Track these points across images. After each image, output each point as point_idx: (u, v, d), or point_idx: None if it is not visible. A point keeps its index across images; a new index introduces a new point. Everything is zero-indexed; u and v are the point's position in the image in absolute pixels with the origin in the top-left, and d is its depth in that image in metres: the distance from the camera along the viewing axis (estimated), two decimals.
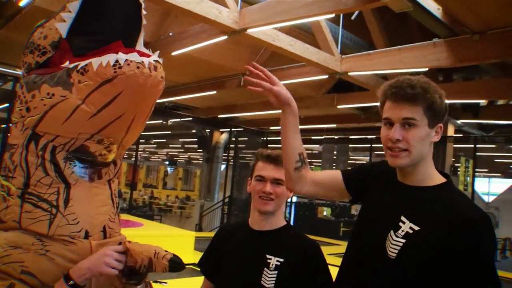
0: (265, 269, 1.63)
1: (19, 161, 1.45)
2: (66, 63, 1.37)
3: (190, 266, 6.36)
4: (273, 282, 1.61)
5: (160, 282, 2.98)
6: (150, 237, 6.50)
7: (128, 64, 1.29)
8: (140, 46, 1.52)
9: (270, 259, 1.64)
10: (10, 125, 1.56)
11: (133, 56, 1.30)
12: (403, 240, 1.30)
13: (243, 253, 1.72)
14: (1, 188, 1.47)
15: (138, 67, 1.29)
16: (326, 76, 8.19)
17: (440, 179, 1.40)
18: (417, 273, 1.27)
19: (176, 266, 1.43)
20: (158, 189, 29.67)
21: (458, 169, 10.54)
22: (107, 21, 1.42)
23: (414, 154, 1.33)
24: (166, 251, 1.47)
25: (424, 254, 1.26)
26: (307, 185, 1.60)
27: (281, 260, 1.63)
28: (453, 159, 10.41)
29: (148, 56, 1.35)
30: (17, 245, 1.38)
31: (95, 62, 1.30)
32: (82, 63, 1.32)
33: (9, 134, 1.53)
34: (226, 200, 13.12)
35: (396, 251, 1.30)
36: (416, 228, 1.30)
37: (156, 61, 1.35)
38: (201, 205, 14.47)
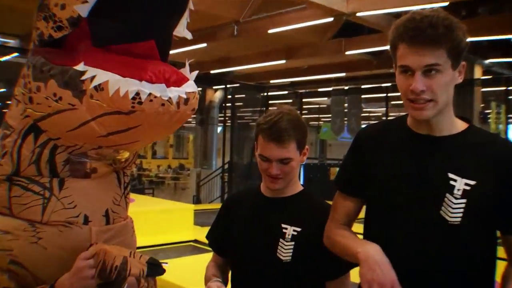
0: (281, 240, 1.66)
1: (10, 149, 1.38)
2: (80, 65, 1.23)
3: (191, 243, 6.53)
4: (290, 254, 1.63)
5: (161, 263, 3.05)
6: (143, 213, 6.56)
7: (151, 101, 1.17)
8: (181, 27, 1.38)
9: (286, 228, 1.66)
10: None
11: (159, 89, 1.18)
12: (464, 200, 1.31)
13: (256, 223, 1.74)
14: None
15: (163, 104, 1.18)
16: (331, 19, 8.07)
17: (463, 123, 1.43)
18: (486, 234, 1.34)
19: (155, 269, 1.36)
20: (147, 159, 29.78)
21: (489, 116, 10.53)
22: (140, 5, 1.25)
23: (441, 103, 1.32)
24: (141, 254, 1.39)
25: (491, 207, 1.31)
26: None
27: (298, 229, 1.65)
28: (482, 105, 10.39)
29: (180, 83, 1.23)
30: (6, 230, 1.35)
31: (112, 84, 1.18)
32: (98, 79, 1.19)
33: (8, 110, 1.45)
34: (226, 166, 13.21)
35: (460, 215, 1.31)
36: (472, 182, 1.31)
37: (189, 92, 1.23)
38: (198, 174, 14.60)
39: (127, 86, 1.17)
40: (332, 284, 1.65)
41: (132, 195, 7.87)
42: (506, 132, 10.16)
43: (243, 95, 14.71)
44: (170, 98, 1.18)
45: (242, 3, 8.51)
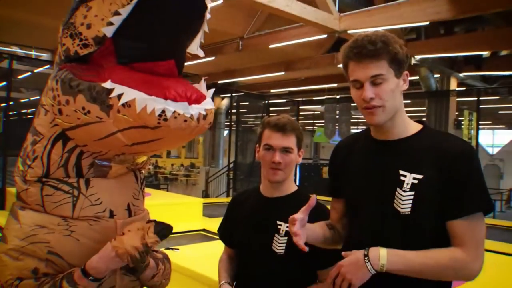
0: (276, 235, 1.67)
1: (41, 153, 1.39)
2: (108, 83, 1.21)
3: (200, 232, 6.54)
4: (283, 247, 1.65)
5: (172, 249, 3.06)
6: (158, 206, 6.58)
7: (175, 118, 1.16)
8: (195, 46, 1.37)
9: (281, 225, 1.67)
10: (22, 101, 1.52)
11: (183, 107, 1.17)
12: (412, 193, 1.32)
13: (255, 219, 1.76)
14: (17, 169, 1.45)
15: (185, 120, 1.18)
16: (325, 36, 8.07)
17: (417, 126, 1.44)
18: (434, 221, 1.32)
19: (164, 231, 1.35)
20: (163, 159, 29.81)
21: (462, 122, 10.52)
22: (161, 25, 1.23)
23: (389, 108, 1.35)
24: (149, 221, 1.39)
25: (437, 198, 1.31)
26: (343, 231, 1.58)
27: None
28: (457, 113, 10.38)
29: (199, 100, 1.22)
30: (43, 225, 1.36)
31: (139, 102, 1.16)
32: (125, 96, 1.17)
33: (36, 117, 1.44)
34: (231, 165, 13.21)
35: (409, 205, 1.32)
36: (420, 176, 1.32)
37: (207, 109, 1.23)
38: (206, 172, 14.59)
39: (154, 104, 1.16)
40: (323, 273, 1.65)
41: (149, 190, 7.87)
42: (477, 137, 10.13)
43: (247, 103, 14.71)
44: (192, 115, 1.18)
45: (246, 21, 8.54)
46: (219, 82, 13.64)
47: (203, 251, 3.16)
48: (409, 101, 14.35)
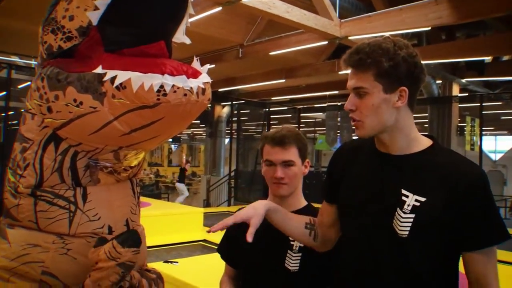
0: (289, 251, 1.61)
1: (32, 160, 1.30)
2: (98, 69, 1.16)
3: (201, 242, 6.48)
4: (298, 264, 1.59)
5: (171, 262, 3.00)
6: (158, 216, 6.54)
7: (175, 92, 1.12)
8: (180, 33, 1.33)
9: (293, 241, 1.61)
10: (22, 110, 1.40)
11: (181, 81, 1.13)
12: (412, 215, 1.22)
13: (266, 238, 1.65)
14: (8, 182, 1.35)
15: (185, 94, 1.13)
16: (325, 42, 8.06)
17: (426, 143, 1.32)
18: (432, 247, 1.23)
19: (130, 240, 1.27)
20: (164, 167, 29.79)
21: (465, 129, 10.49)
22: (148, 9, 1.17)
23: (369, 124, 1.26)
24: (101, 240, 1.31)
25: (437, 224, 1.21)
26: (328, 236, 1.52)
27: None
28: (459, 119, 10.34)
29: (196, 75, 1.17)
30: (36, 244, 1.28)
31: (135, 81, 1.11)
32: (119, 78, 1.12)
33: (21, 124, 1.36)
34: (232, 173, 13.17)
35: (408, 228, 1.22)
36: (422, 199, 1.22)
37: (205, 83, 1.18)
38: (208, 180, 14.55)
39: (151, 80, 1.11)
40: None
41: (149, 200, 7.84)
42: (480, 143, 10.09)
43: (248, 111, 14.69)
44: (191, 88, 1.14)
45: (246, 29, 8.53)
46: (219, 90, 13.64)
47: (203, 264, 3.10)
48: None
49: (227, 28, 8.42)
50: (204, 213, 7.53)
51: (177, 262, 2.98)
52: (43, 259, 1.27)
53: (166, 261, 3.04)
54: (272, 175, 1.64)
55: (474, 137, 10.41)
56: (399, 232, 1.23)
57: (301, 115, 14.24)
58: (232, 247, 1.79)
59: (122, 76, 1.13)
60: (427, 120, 10.40)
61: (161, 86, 1.11)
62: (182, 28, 1.32)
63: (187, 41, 1.33)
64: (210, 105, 14.88)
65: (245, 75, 12.34)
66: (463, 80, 10.20)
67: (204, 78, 1.19)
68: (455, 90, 10.15)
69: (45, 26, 1.29)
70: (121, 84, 1.12)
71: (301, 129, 14.22)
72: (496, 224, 1.22)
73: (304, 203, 1.74)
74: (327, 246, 1.53)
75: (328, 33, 7.22)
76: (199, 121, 16.44)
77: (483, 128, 10.57)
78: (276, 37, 8.51)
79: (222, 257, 1.87)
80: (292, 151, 1.64)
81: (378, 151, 1.35)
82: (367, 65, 1.23)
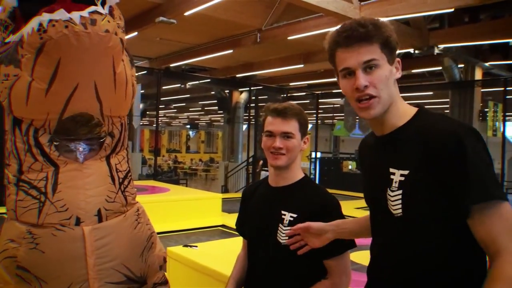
0: (280, 225, 1.64)
1: (11, 148, 1.39)
2: (16, 36, 1.21)
3: (219, 227, 6.55)
4: (287, 238, 1.60)
5: (191, 246, 3.04)
6: (177, 201, 6.63)
7: (53, 25, 1.11)
8: None
9: (285, 214, 1.64)
10: None
11: (59, 14, 1.11)
12: (400, 192, 1.19)
13: (261, 210, 1.74)
14: (5, 176, 1.43)
15: (66, 26, 1.10)
16: None
17: (411, 112, 1.27)
18: (431, 221, 1.15)
19: None
20: (182, 154, 30.05)
21: (487, 114, 10.29)
22: None
23: (384, 98, 1.22)
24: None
25: (425, 194, 1.14)
26: None
27: (294, 215, 1.62)
28: (481, 104, 10.15)
29: (82, 8, 1.14)
30: (12, 239, 1.35)
31: (25, 31, 1.14)
32: (19, 34, 1.18)
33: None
34: (250, 160, 13.21)
35: (400, 206, 1.19)
36: (406, 172, 1.18)
37: (92, 12, 1.14)
38: (226, 167, 14.62)
39: (32, 24, 1.13)
40: (329, 262, 1.61)
41: (168, 185, 7.93)
42: (503, 129, 9.89)
43: (266, 96, 14.66)
44: (71, 18, 1.11)
45: (264, 13, 8.45)
46: (237, 75, 13.62)
47: (222, 248, 3.13)
48: (431, 93, 14.11)
49: (245, 13, 8.36)
50: (223, 198, 7.59)
51: (196, 247, 3.01)
52: (16, 254, 1.33)
53: (186, 245, 3.08)
54: (271, 145, 1.67)
55: (497, 123, 10.22)
56: (393, 212, 1.20)
57: (319, 100, 14.15)
58: (242, 219, 1.89)
59: (21, 33, 1.18)
60: (448, 106, 10.23)
61: (40, 25, 1.11)
62: None
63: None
64: (227, 91, 14.89)
65: (263, 60, 12.27)
66: (487, 64, 9.97)
67: (91, 9, 1.16)
68: (478, 74, 9.94)
69: None
70: (21, 40, 1.17)
71: (319, 115, 14.15)
72: (483, 182, 1.08)
73: (300, 175, 1.75)
74: None
75: (347, 17, 7.11)
76: (217, 107, 16.49)
77: (507, 113, 10.36)
78: (294, 21, 8.42)
79: (236, 229, 1.95)
80: (293, 124, 1.67)
81: (376, 136, 1.34)
82: (374, 36, 1.21)
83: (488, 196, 1.08)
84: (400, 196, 1.18)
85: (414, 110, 1.27)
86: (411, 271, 1.20)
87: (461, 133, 1.11)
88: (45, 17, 1.11)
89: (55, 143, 1.36)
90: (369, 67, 1.21)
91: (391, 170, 1.21)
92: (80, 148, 1.40)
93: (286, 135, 1.66)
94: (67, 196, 1.36)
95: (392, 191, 1.20)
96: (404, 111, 1.26)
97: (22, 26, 1.22)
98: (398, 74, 1.26)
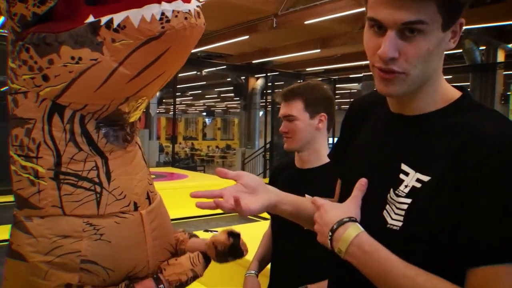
0: None
1: (42, 138, 1.25)
2: (90, 18, 1.11)
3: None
4: None
5: (211, 231, 3.10)
6: (196, 187, 6.67)
7: (176, 16, 1.09)
8: None
9: None
10: (9, 95, 1.31)
11: (179, 5, 1.10)
12: (408, 200, 0.85)
13: (287, 192, 1.74)
14: (23, 170, 1.28)
15: (186, 18, 1.10)
16: (363, 9, 7.84)
17: (453, 95, 0.91)
18: (432, 245, 0.82)
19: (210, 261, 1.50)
20: (199, 141, 30.22)
21: (510, 97, 10.09)
22: None
23: (414, 75, 0.85)
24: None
25: (441, 214, 0.81)
26: None
27: None
28: (503, 87, 9.96)
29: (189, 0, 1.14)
30: (66, 234, 1.25)
31: (134, 16, 1.07)
32: (116, 19, 1.09)
33: (14, 108, 1.29)
34: (267, 146, 13.24)
35: (401, 219, 0.85)
36: (426, 178, 0.84)
37: (198, 6, 1.17)
38: (242, 153, 14.69)
39: (150, 11, 1.07)
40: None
41: (186, 172, 8.01)
42: None
43: (282, 82, 14.61)
44: (189, 10, 1.11)
45: None
46: (253, 61, 13.59)
47: (241, 233, 3.18)
48: (451, 76, 13.88)
49: None
50: None
51: (216, 231, 3.07)
52: (79, 249, 1.25)
53: (207, 230, 3.15)
54: (281, 130, 1.71)
55: None
56: (389, 221, 0.88)
57: (336, 86, 14.05)
58: None
59: (118, 17, 1.09)
60: (469, 89, 10.06)
61: (162, 14, 1.08)
62: None
63: None
64: (244, 77, 14.88)
65: (279, 46, 12.21)
66: (510, 46, 9.76)
67: (196, 2, 1.17)
68: (500, 57, 9.74)
69: None
70: (119, 25, 1.09)
71: (336, 100, 14.06)
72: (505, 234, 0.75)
73: (324, 160, 1.67)
74: None
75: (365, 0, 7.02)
76: (233, 94, 16.50)
77: None
78: (311, 6, 8.34)
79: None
80: (294, 105, 1.66)
81: (390, 111, 0.98)
82: None
83: (496, 258, 0.76)
84: (405, 206, 0.86)
85: (457, 94, 0.92)
86: None
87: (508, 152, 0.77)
88: (166, 6, 1.08)
89: (102, 130, 1.30)
90: (410, 30, 0.81)
91: (404, 167, 0.89)
92: (124, 133, 1.36)
93: (288, 118, 1.67)
94: (122, 183, 1.33)
95: (397, 195, 0.88)
96: (444, 92, 0.91)
97: (75, 4, 1.15)
98: (453, 43, 0.87)
